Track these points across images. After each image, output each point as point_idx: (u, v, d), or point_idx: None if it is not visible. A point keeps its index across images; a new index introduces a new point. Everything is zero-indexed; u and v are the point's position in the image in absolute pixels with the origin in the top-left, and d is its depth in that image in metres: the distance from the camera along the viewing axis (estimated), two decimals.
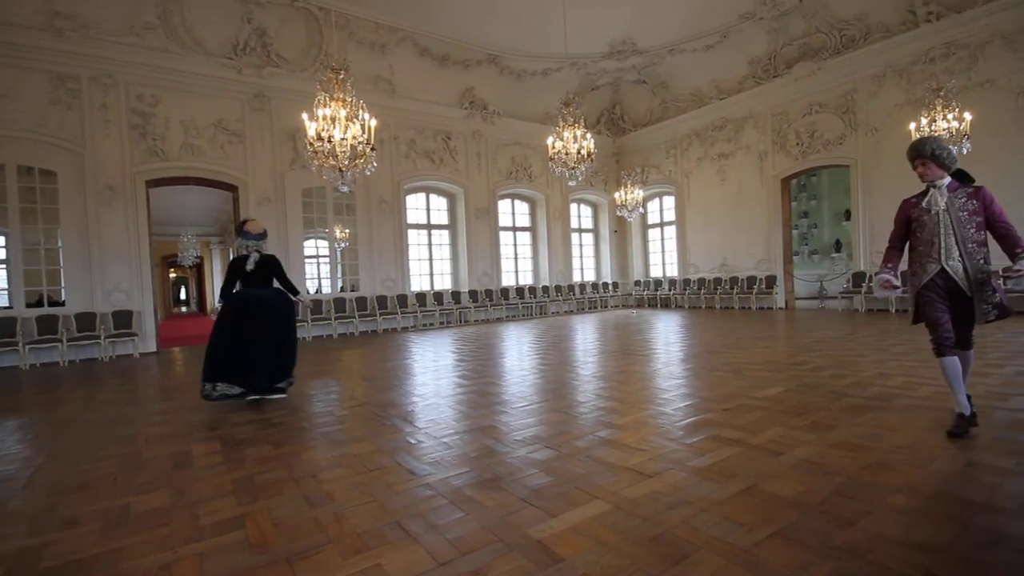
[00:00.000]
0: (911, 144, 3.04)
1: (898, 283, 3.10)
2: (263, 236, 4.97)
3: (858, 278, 11.06)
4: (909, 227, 3.13)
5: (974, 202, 2.91)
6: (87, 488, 2.77)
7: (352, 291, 11.94)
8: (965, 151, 8.20)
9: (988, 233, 2.93)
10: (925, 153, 2.96)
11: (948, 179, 3.00)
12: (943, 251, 2.92)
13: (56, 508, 2.52)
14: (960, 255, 2.90)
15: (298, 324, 5.49)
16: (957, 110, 8.20)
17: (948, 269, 2.91)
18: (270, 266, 4.86)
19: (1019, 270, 2.73)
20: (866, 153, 11.00)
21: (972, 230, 2.89)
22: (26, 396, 5.90)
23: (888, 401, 3.67)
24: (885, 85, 10.61)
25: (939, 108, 8.24)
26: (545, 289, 15.17)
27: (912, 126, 8.59)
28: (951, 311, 2.97)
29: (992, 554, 1.72)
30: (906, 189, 9.83)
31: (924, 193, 3.08)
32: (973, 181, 3.00)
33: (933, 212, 2.98)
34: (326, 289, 12.11)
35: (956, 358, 2.90)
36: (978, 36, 9.34)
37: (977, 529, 1.87)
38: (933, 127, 8.27)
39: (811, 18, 11.27)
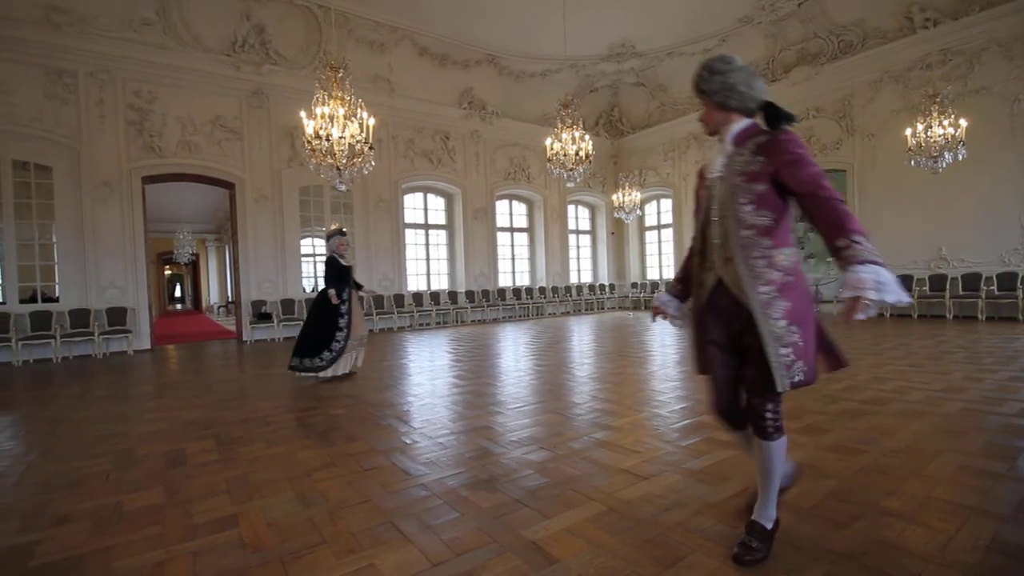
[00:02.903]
0: None
1: (673, 311, 2.02)
2: (327, 239, 5.88)
3: None
4: None
5: (760, 159, 1.68)
6: (79, 485, 2.75)
7: None
8: (960, 157, 8.27)
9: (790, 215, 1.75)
10: (698, 88, 1.84)
11: (741, 125, 1.79)
12: (718, 249, 1.80)
13: (48, 505, 2.50)
14: (735, 254, 1.72)
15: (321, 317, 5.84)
16: (953, 116, 8.26)
17: (726, 280, 1.77)
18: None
19: (856, 286, 1.46)
20: (863, 158, 11.06)
21: (748, 208, 1.69)
22: (19, 392, 5.86)
23: (882, 405, 3.69)
24: (882, 91, 10.67)
25: (935, 114, 8.30)
26: (542, 290, 15.17)
27: (908, 132, 8.66)
28: (744, 358, 1.79)
29: (985, 559, 1.72)
30: (902, 195, 9.94)
31: None
32: (792, 121, 1.73)
33: (708, 184, 1.87)
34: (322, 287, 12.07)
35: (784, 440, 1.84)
36: (974, 43, 9.40)
37: (970, 533, 1.88)
38: (929, 133, 8.33)
39: (809, 23, 11.32)
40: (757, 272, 1.68)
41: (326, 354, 5.52)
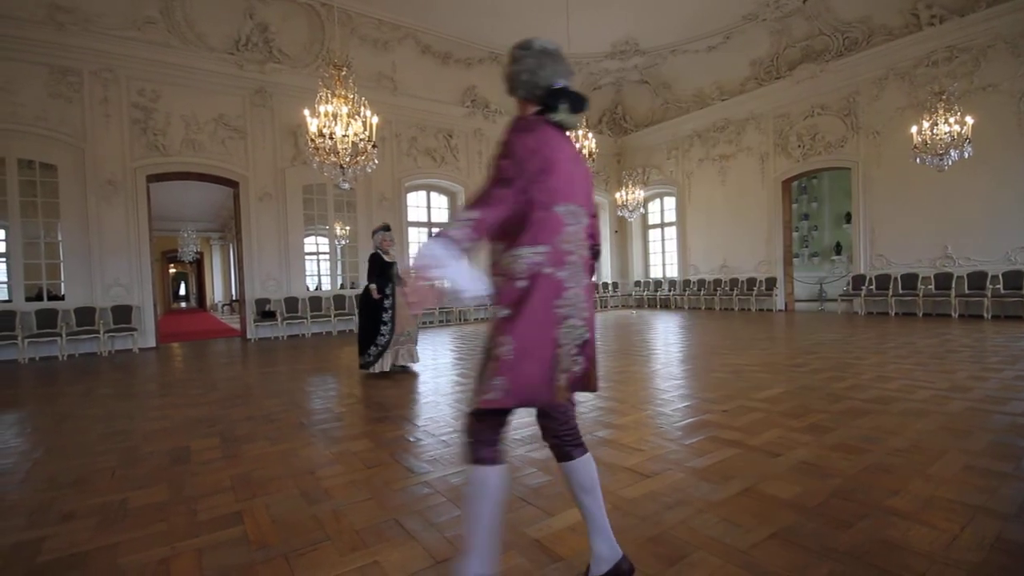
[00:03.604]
0: None
1: None
2: (372, 234, 5.92)
3: (858, 281, 11.07)
4: None
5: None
6: (85, 482, 2.77)
7: (352, 288, 11.92)
8: (966, 155, 8.21)
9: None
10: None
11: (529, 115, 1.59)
12: None
13: (54, 502, 2.51)
14: None
15: (364, 314, 5.89)
16: (959, 114, 8.21)
17: None
18: None
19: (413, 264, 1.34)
20: (867, 156, 11.00)
21: None
22: (25, 390, 5.90)
23: (886, 404, 3.67)
24: (887, 88, 10.61)
25: (941, 111, 8.25)
26: None
27: (914, 129, 8.61)
28: None
29: (990, 558, 1.72)
30: (908, 193, 9.94)
31: None
32: (580, 102, 1.56)
33: None
34: (326, 286, 12.11)
35: (496, 468, 1.49)
36: (980, 40, 9.33)
37: (975, 533, 1.87)
38: (935, 130, 8.27)
39: (814, 20, 11.26)
40: (490, 277, 1.52)
41: (372, 349, 5.62)
